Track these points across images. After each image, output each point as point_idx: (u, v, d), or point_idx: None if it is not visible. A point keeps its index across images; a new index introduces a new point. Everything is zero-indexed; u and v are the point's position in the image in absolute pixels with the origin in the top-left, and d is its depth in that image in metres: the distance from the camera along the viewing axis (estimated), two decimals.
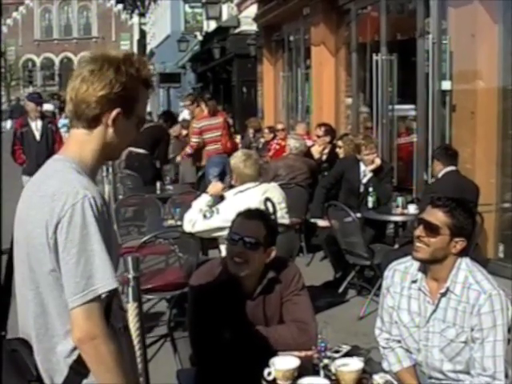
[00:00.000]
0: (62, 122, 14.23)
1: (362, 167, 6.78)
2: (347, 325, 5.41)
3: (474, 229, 3.09)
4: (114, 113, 1.92)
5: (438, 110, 7.43)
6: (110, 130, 1.95)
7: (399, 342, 2.98)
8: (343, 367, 2.57)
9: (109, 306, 1.90)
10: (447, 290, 2.81)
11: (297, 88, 13.93)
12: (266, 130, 11.55)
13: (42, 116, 8.86)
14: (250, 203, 3.94)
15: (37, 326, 1.90)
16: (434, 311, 2.85)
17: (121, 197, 8.48)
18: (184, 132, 11.08)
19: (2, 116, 25.47)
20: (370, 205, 6.55)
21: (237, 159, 4.89)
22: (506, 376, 2.78)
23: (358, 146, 6.81)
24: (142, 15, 53.33)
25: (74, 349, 1.86)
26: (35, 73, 65.51)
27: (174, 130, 10.84)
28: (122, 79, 1.90)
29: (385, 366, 2.95)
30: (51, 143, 8.52)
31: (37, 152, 8.33)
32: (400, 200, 6.28)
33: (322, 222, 6.67)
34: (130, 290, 3.01)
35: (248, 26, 17.05)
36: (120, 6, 66.10)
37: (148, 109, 15.83)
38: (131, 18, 62.55)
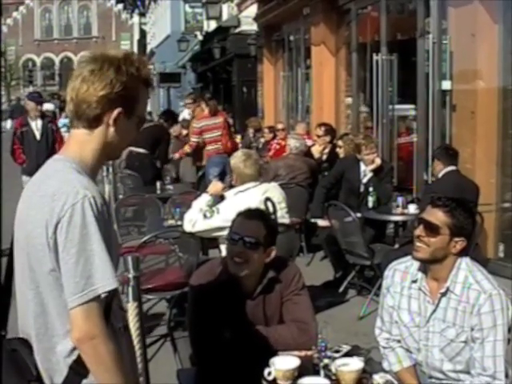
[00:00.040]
0: (62, 121, 14.25)
1: (362, 167, 6.78)
2: (347, 324, 5.41)
3: (474, 229, 3.09)
4: (116, 112, 1.92)
5: (438, 110, 7.43)
6: (111, 130, 1.95)
7: (399, 341, 2.98)
8: (343, 367, 2.57)
9: (109, 306, 1.90)
10: (447, 289, 2.81)
11: (297, 88, 13.93)
12: (266, 130, 11.55)
13: (42, 115, 8.82)
14: (250, 203, 3.94)
15: (37, 326, 1.90)
16: (434, 311, 2.85)
17: (121, 196, 8.47)
18: (184, 132, 11.08)
19: (2, 116, 25.46)
20: (370, 204, 6.55)
21: (237, 159, 4.89)
22: (506, 376, 2.78)
23: (358, 146, 6.81)
24: (142, 15, 53.36)
25: (74, 349, 1.86)
26: (35, 72, 65.49)
27: (174, 130, 10.83)
28: (123, 79, 1.90)
29: (385, 365, 2.95)
30: (51, 143, 8.49)
31: (37, 151, 8.31)
32: (400, 200, 6.28)
33: (322, 222, 6.67)
34: (130, 289, 3.01)
35: (248, 25, 17.05)
36: (120, 6, 66.15)
37: (148, 108, 15.83)
38: (131, 17, 62.59)
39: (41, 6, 66.21)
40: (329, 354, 2.68)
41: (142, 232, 6.72)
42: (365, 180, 6.78)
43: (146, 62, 2.04)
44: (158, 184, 8.11)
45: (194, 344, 3.00)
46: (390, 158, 8.90)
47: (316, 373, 2.63)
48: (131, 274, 3.01)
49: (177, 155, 10.04)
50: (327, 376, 2.60)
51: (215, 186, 4.99)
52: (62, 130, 10.16)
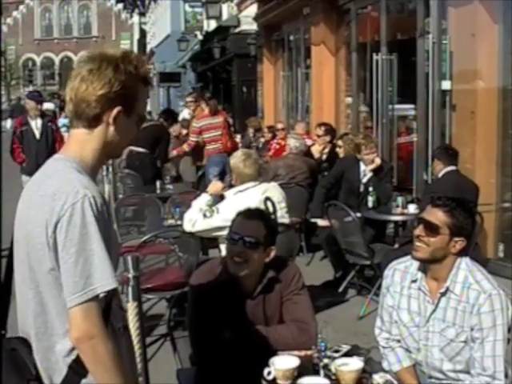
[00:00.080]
0: (62, 121, 14.22)
1: (362, 167, 6.78)
2: (347, 324, 5.42)
3: (474, 229, 3.09)
4: (115, 111, 1.92)
5: (438, 110, 7.43)
6: (111, 129, 1.95)
7: (399, 341, 2.98)
8: (343, 367, 2.57)
9: (109, 306, 1.90)
10: (447, 289, 2.81)
11: (297, 87, 13.93)
12: (266, 130, 11.54)
13: (42, 115, 8.81)
14: (249, 203, 3.94)
15: (36, 325, 1.90)
16: (434, 311, 2.85)
17: (121, 196, 8.47)
18: (184, 131, 11.08)
19: (1, 115, 25.45)
20: (370, 204, 6.55)
21: (236, 159, 4.89)
22: (506, 376, 2.78)
23: (358, 146, 6.81)
24: (142, 14, 53.37)
25: (73, 348, 1.86)
26: (35, 72, 65.53)
27: (173, 130, 10.83)
28: (121, 77, 1.90)
29: (385, 365, 2.95)
30: (51, 142, 8.47)
31: (36, 151, 8.29)
32: (400, 200, 6.28)
33: (321, 222, 6.67)
34: (130, 289, 3.01)
35: (248, 25, 17.05)
36: (120, 6, 66.19)
37: (148, 108, 15.84)
38: (131, 17, 62.61)
39: (41, 6, 66.23)
40: (328, 353, 2.68)
41: (141, 232, 6.72)
42: (365, 180, 6.78)
43: (144, 61, 2.04)
44: (158, 183, 8.11)
45: (193, 344, 3.00)
46: (389, 157, 8.90)
47: (316, 372, 2.63)
48: (131, 274, 3.01)
49: (175, 152, 10.01)
50: (327, 376, 2.60)
51: (215, 185, 4.99)
52: (62, 129, 10.14)
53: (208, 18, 22.51)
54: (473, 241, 4.63)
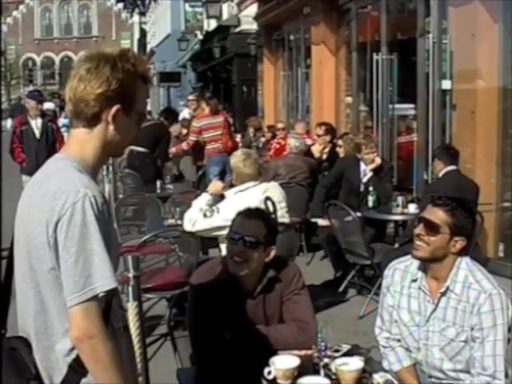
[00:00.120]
0: (62, 121, 14.22)
1: (362, 166, 6.78)
2: (347, 324, 5.42)
3: (474, 229, 3.09)
4: (114, 109, 1.92)
5: (438, 110, 7.43)
6: (111, 128, 1.95)
7: (399, 341, 2.98)
8: (343, 366, 2.57)
9: (109, 305, 1.90)
10: (447, 289, 2.81)
11: (297, 87, 13.93)
12: (266, 129, 11.54)
13: (43, 114, 8.79)
14: (250, 202, 3.93)
15: (36, 325, 1.90)
16: (434, 310, 2.85)
17: (121, 196, 8.47)
18: (184, 131, 11.08)
19: (1, 115, 25.45)
20: (370, 204, 6.55)
21: (236, 158, 4.89)
22: (506, 375, 2.78)
23: (359, 145, 6.82)
24: (142, 14, 53.36)
25: (73, 347, 1.86)
26: (35, 72, 65.56)
27: (174, 130, 10.82)
28: (119, 76, 1.90)
29: (385, 365, 2.95)
30: (51, 142, 8.46)
31: (36, 150, 8.28)
32: (400, 199, 6.28)
33: (322, 222, 6.67)
34: (130, 289, 3.00)
35: (248, 25, 17.05)
36: (120, 5, 66.19)
37: (148, 108, 15.84)
38: (131, 16, 62.62)
39: (41, 5, 66.24)
40: (329, 353, 2.68)
41: (142, 231, 6.72)
42: (365, 179, 6.78)
43: (142, 59, 2.04)
44: (158, 183, 8.11)
45: (194, 343, 3.00)
46: (390, 157, 8.90)
47: (316, 372, 2.63)
48: (131, 274, 3.01)
49: (173, 149, 10.00)
50: (327, 375, 2.60)
51: (215, 185, 4.99)
52: (62, 129, 10.14)
53: (208, 17, 22.52)
54: (473, 240, 4.63)
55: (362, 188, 6.78)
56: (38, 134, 8.50)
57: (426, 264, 2.88)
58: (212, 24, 23.04)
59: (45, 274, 1.86)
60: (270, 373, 2.55)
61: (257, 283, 3.03)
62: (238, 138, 12.47)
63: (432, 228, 2.79)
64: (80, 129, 1.95)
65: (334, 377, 2.58)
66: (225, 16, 21.23)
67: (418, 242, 2.83)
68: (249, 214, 3.16)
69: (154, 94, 34.94)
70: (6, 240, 2.18)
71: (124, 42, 58.78)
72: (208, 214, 4.64)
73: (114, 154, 2.08)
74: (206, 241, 5.10)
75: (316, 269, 6.92)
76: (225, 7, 21.25)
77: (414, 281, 2.91)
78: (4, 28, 59.24)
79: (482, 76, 6.77)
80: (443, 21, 7.46)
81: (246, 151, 5.27)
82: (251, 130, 12.20)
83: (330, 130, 8.75)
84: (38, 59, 66.20)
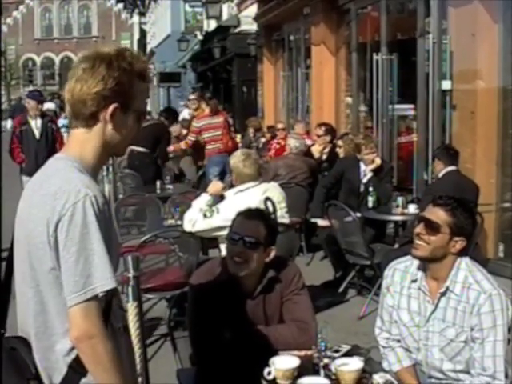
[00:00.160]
0: (62, 122, 14.22)
1: (362, 167, 6.78)
2: (347, 324, 5.42)
3: (474, 229, 3.09)
4: (111, 108, 1.92)
5: (438, 110, 7.43)
6: (109, 127, 1.94)
7: (399, 341, 2.98)
8: (343, 367, 2.57)
9: (109, 306, 1.90)
10: (447, 289, 2.81)
11: (297, 87, 13.92)
12: (266, 130, 11.53)
13: (43, 114, 8.78)
14: (250, 203, 3.94)
15: (36, 325, 1.90)
16: (434, 311, 2.85)
17: (121, 196, 8.47)
18: (184, 131, 11.09)
19: (1, 116, 25.44)
20: (370, 204, 6.55)
21: (236, 159, 4.89)
22: (506, 376, 2.78)
23: (358, 146, 6.82)
24: (142, 14, 53.38)
25: (73, 348, 1.86)
26: (35, 72, 65.55)
27: (174, 130, 10.84)
28: (115, 74, 1.90)
29: (385, 365, 2.95)
30: (51, 142, 8.44)
31: (36, 151, 8.26)
32: (400, 200, 6.27)
33: (322, 222, 6.67)
34: (130, 289, 3.00)
35: (248, 25, 17.05)
36: (120, 6, 66.17)
37: (148, 108, 15.82)
38: (131, 17, 62.64)
39: (41, 6, 66.24)
40: (329, 353, 2.68)
41: (142, 231, 6.72)
42: (365, 180, 6.78)
43: (140, 57, 2.02)
44: (158, 183, 8.11)
45: (193, 344, 3.00)
46: (389, 157, 8.90)
47: (316, 372, 2.63)
48: (131, 274, 3.01)
49: (171, 148, 10.00)
50: (327, 376, 2.60)
51: (215, 185, 4.99)
52: (62, 130, 10.13)
53: (208, 17, 22.52)
54: (473, 241, 4.63)
55: (361, 188, 6.78)
56: (37, 134, 8.47)
57: (425, 264, 2.88)
58: (212, 24, 23.05)
59: (45, 274, 1.86)
60: (269, 373, 2.55)
61: (257, 283, 3.03)
62: (238, 138, 12.48)
63: (432, 227, 2.80)
64: (79, 129, 1.96)
65: (333, 377, 2.58)
66: (225, 16, 21.24)
67: (417, 242, 2.83)
68: (249, 214, 3.16)
69: (154, 94, 34.94)
70: (5, 240, 2.18)
71: (124, 43, 58.72)
72: (208, 215, 4.64)
73: (114, 153, 2.08)
74: (206, 241, 5.10)
75: (316, 269, 6.92)
76: (225, 8, 21.25)
77: (414, 281, 2.91)
78: (4, 28, 59.24)
79: (482, 76, 6.77)
80: (443, 21, 7.46)
81: (246, 151, 5.27)
82: (251, 131, 12.21)
83: (330, 131, 8.76)
84: (38, 59, 66.20)
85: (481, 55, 6.76)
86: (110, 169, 8.94)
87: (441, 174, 5.82)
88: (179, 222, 5.43)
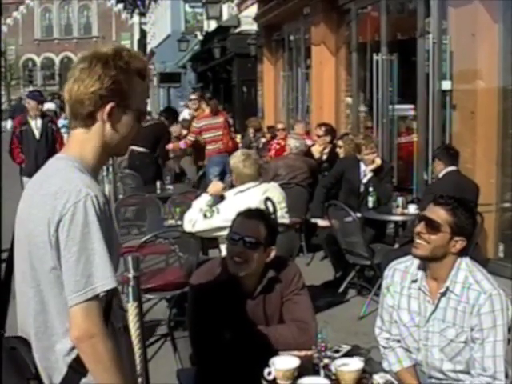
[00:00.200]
0: (62, 122, 14.22)
1: (362, 167, 6.78)
2: (347, 324, 5.42)
3: (475, 230, 3.09)
4: (108, 107, 1.92)
5: (438, 110, 7.43)
6: (108, 126, 1.94)
7: (399, 341, 2.98)
8: (343, 367, 2.57)
9: (109, 305, 1.90)
10: (447, 289, 2.81)
11: (297, 87, 13.92)
12: (266, 130, 11.53)
13: (43, 115, 8.78)
14: (250, 203, 3.94)
15: (36, 325, 1.90)
16: (434, 311, 2.85)
17: (121, 196, 8.48)
18: (184, 132, 11.09)
19: (1, 116, 25.45)
20: (370, 204, 6.55)
21: (236, 159, 4.89)
22: (507, 376, 2.78)
23: (359, 146, 6.82)
24: (142, 15, 53.39)
25: (73, 347, 1.86)
26: (35, 72, 65.57)
27: (174, 130, 10.84)
28: (111, 73, 1.90)
29: (385, 365, 2.95)
30: (51, 142, 8.44)
31: (36, 151, 8.26)
32: (400, 200, 6.27)
33: (322, 222, 6.67)
34: (130, 289, 3.01)
35: (248, 25, 17.05)
36: (120, 6, 66.17)
37: (148, 108, 15.84)
38: (131, 17, 62.62)
39: (41, 6, 66.23)
40: (329, 353, 2.68)
41: (142, 232, 6.72)
42: (365, 180, 6.78)
43: (138, 56, 2.01)
44: (158, 184, 8.11)
45: (194, 344, 2.99)
46: (389, 157, 8.90)
47: (316, 373, 2.63)
48: (131, 274, 3.01)
49: (170, 146, 10.00)
50: (327, 376, 2.59)
51: (215, 185, 4.99)
52: (62, 130, 10.12)
53: (208, 18, 22.51)
54: (473, 241, 4.63)
55: (361, 188, 6.78)
56: (37, 134, 8.47)
57: (425, 264, 2.88)
58: (212, 25, 23.05)
59: (46, 274, 1.86)
60: (269, 373, 2.55)
61: (257, 283, 3.03)
62: (238, 138, 12.48)
63: (433, 227, 2.80)
64: (78, 129, 1.96)
65: (333, 377, 2.57)
66: (225, 16, 21.24)
67: (418, 241, 2.83)
68: (249, 214, 3.16)
69: (154, 94, 34.95)
70: (5, 240, 2.18)
71: (124, 43, 58.75)
72: (208, 215, 4.64)
73: (115, 153, 2.08)
74: (206, 241, 5.10)
75: (316, 269, 6.92)
76: (225, 8, 21.25)
77: (414, 281, 2.91)
78: (4, 28, 59.23)
79: (482, 76, 6.77)
80: (443, 21, 7.45)
81: (246, 152, 5.27)
82: (251, 131, 12.21)
83: (330, 131, 8.75)
84: (38, 60, 66.20)
85: (481, 55, 6.76)
86: (110, 169, 8.94)
87: (441, 174, 5.82)
88: (179, 223, 5.43)
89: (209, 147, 9.71)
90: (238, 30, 18.40)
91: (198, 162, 10.42)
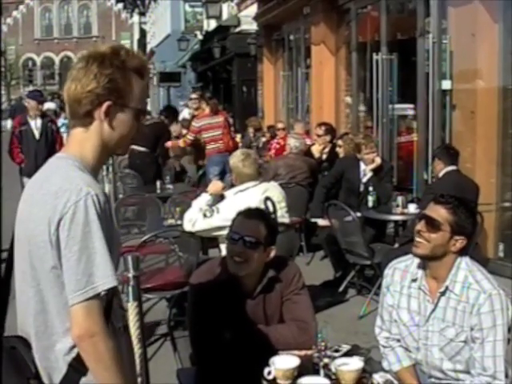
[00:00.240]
0: (62, 121, 14.22)
1: (362, 166, 6.78)
2: (347, 324, 5.42)
3: (475, 229, 3.09)
4: (105, 106, 1.91)
5: (438, 110, 7.43)
6: (105, 124, 1.94)
7: (399, 341, 2.98)
8: (343, 366, 2.57)
9: (110, 304, 1.90)
10: (446, 288, 2.81)
11: (297, 87, 13.92)
12: (266, 130, 11.53)
13: (43, 115, 8.77)
14: (250, 202, 3.94)
15: (36, 324, 1.90)
16: (434, 310, 2.85)
17: (121, 196, 8.47)
18: (184, 131, 11.09)
19: (1, 116, 25.44)
20: (370, 204, 6.55)
21: (235, 159, 4.89)
22: (506, 376, 2.78)
23: (358, 146, 6.82)
24: (142, 14, 53.34)
25: (73, 347, 1.86)
26: (35, 72, 65.58)
27: (174, 130, 10.84)
28: (107, 71, 1.89)
29: (385, 365, 2.95)
30: (51, 142, 8.42)
31: (36, 151, 8.24)
32: (400, 199, 6.27)
33: (322, 222, 6.67)
34: (130, 289, 3.00)
35: (248, 25, 17.05)
36: (120, 5, 66.17)
37: (148, 108, 15.83)
38: (131, 17, 62.60)
39: (41, 6, 66.25)
40: (329, 353, 2.68)
41: (142, 231, 6.72)
42: (365, 179, 6.78)
43: (137, 54, 2.00)
44: (158, 183, 8.11)
45: (194, 343, 2.99)
46: (389, 157, 8.90)
47: (316, 372, 2.63)
48: (131, 274, 3.01)
49: (169, 143, 9.99)
50: (327, 375, 2.59)
51: (215, 185, 4.99)
52: (61, 129, 10.12)
53: (208, 17, 22.53)
54: (473, 241, 4.63)
55: (361, 188, 6.78)
56: (37, 134, 8.45)
57: (425, 263, 2.88)
58: (212, 24, 23.05)
59: (46, 273, 1.86)
60: (269, 373, 2.55)
61: (257, 283, 3.03)
62: (238, 138, 12.48)
63: (433, 225, 2.80)
64: (77, 128, 1.96)
65: (333, 377, 2.58)
66: (225, 16, 21.24)
67: (418, 239, 2.83)
68: (249, 214, 3.15)
69: (154, 94, 34.95)
70: (6, 240, 2.18)
71: (124, 43, 58.71)
72: (208, 214, 4.64)
73: (114, 152, 2.07)
74: (206, 241, 5.10)
75: (316, 269, 6.92)
76: (225, 7, 21.25)
77: (414, 280, 2.91)
78: (4, 28, 59.26)
79: (482, 76, 6.77)
80: (443, 21, 7.45)
81: (246, 151, 5.27)
82: (251, 130, 12.21)
83: (330, 130, 8.76)
84: (38, 59, 66.21)
85: (481, 55, 6.76)
86: (110, 168, 8.93)
87: (441, 174, 5.82)
88: (179, 222, 5.43)
89: (209, 147, 9.70)
90: (237, 30, 18.41)
91: (198, 161, 10.41)
